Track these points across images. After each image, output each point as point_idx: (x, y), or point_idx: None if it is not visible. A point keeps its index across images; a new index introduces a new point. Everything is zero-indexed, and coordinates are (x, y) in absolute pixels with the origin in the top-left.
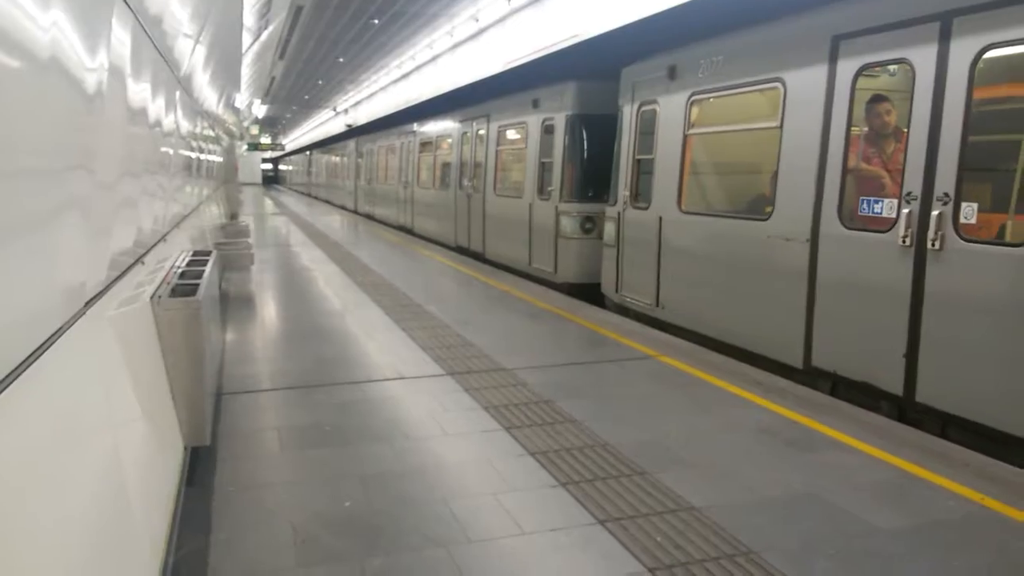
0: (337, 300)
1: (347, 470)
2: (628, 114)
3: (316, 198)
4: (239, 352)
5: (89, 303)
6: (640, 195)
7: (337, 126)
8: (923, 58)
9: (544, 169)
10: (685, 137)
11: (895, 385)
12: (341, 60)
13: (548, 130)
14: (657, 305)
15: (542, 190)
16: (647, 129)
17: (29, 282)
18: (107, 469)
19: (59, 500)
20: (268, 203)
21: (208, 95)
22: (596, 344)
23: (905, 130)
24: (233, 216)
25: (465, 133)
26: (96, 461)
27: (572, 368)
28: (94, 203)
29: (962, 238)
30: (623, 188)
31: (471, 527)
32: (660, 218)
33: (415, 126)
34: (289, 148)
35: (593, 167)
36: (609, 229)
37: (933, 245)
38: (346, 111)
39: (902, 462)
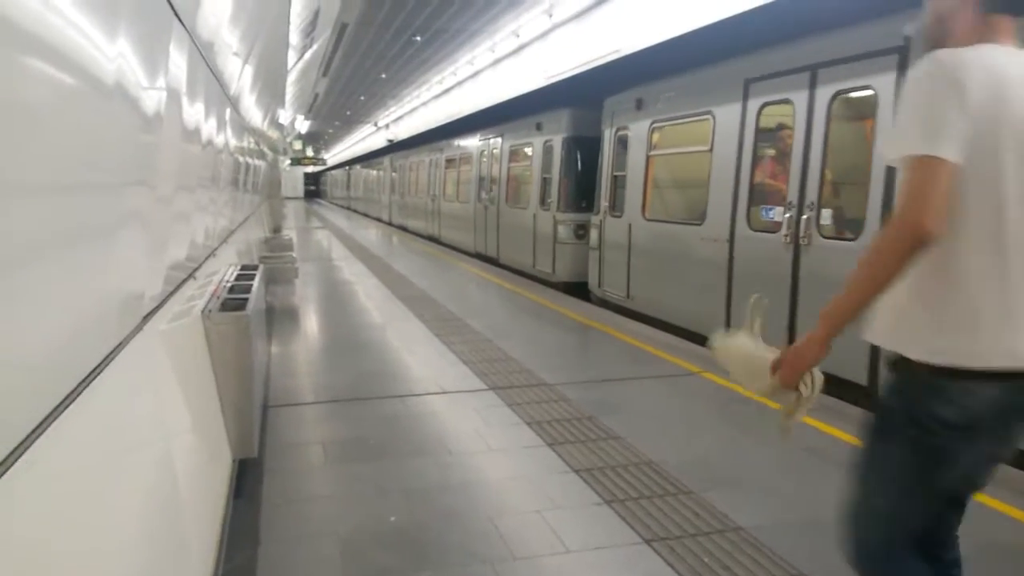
0: (378, 313)
1: (391, 484)
2: (608, 137)
3: (354, 211)
4: (284, 365)
5: (147, 317)
6: (616, 205)
7: (378, 141)
8: (799, 99)
9: (545, 183)
10: (648, 157)
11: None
12: (383, 76)
13: (548, 150)
14: (628, 296)
15: (543, 202)
16: (621, 150)
17: (94, 296)
18: (160, 480)
19: (116, 510)
20: (310, 217)
21: (254, 112)
22: (637, 360)
23: (788, 154)
24: (277, 230)
25: (483, 151)
26: (150, 472)
27: (614, 384)
28: (153, 219)
29: (822, 236)
30: (603, 200)
31: (516, 544)
32: (630, 224)
33: (442, 144)
34: (331, 163)
35: (585, 181)
36: (593, 235)
37: (803, 242)
38: (387, 126)
39: None
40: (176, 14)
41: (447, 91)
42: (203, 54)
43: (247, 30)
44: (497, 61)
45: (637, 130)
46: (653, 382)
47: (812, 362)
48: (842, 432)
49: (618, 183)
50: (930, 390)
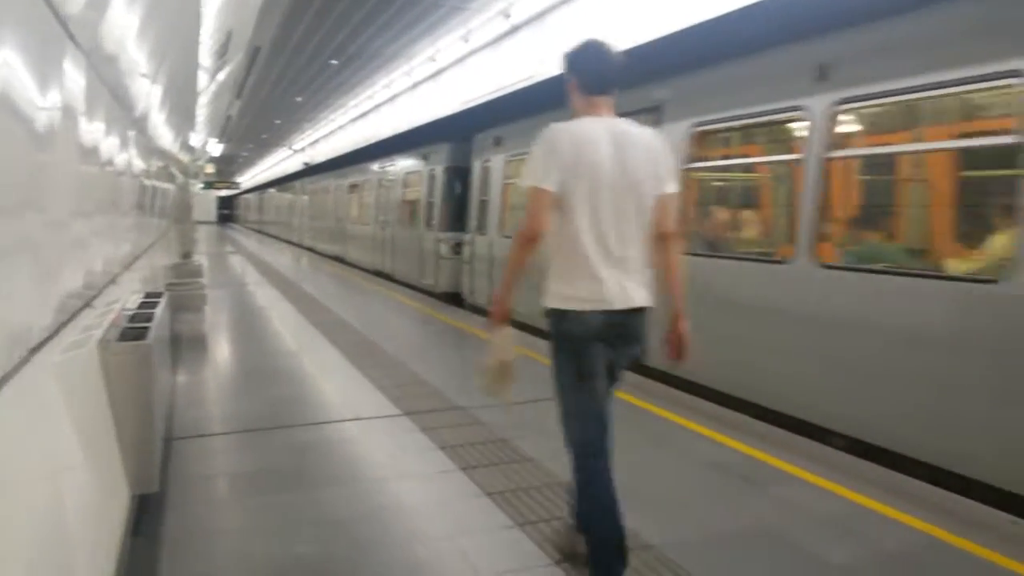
0: (291, 339)
1: (301, 515)
2: (477, 167)
3: (267, 234)
4: (190, 395)
5: (35, 349)
6: (481, 226)
7: (294, 164)
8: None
9: (430, 207)
10: (504, 185)
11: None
12: (299, 99)
13: (432, 177)
14: (490, 303)
15: (428, 223)
16: (486, 179)
17: None
18: (47, 521)
19: None
20: (223, 242)
21: (163, 134)
22: (546, 379)
23: None
24: (187, 255)
25: (380, 178)
26: (36, 514)
27: (527, 406)
28: (43, 244)
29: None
30: (473, 220)
31: (427, 571)
32: (491, 241)
33: (346, 170)
34: (245, 186)
35: (461, 205)
36: (465, 251)
37: None
38: (303, 149)
39: (854, 495)
40: (67, 31)
41: (364, 115)
42: (100, 73)
43: (154, 50)
44: (415, 85)
45: (496, 162)
46: None
47: (495, 322)
48: (747, 447)
49: (484, 206)
50: (561, 319)
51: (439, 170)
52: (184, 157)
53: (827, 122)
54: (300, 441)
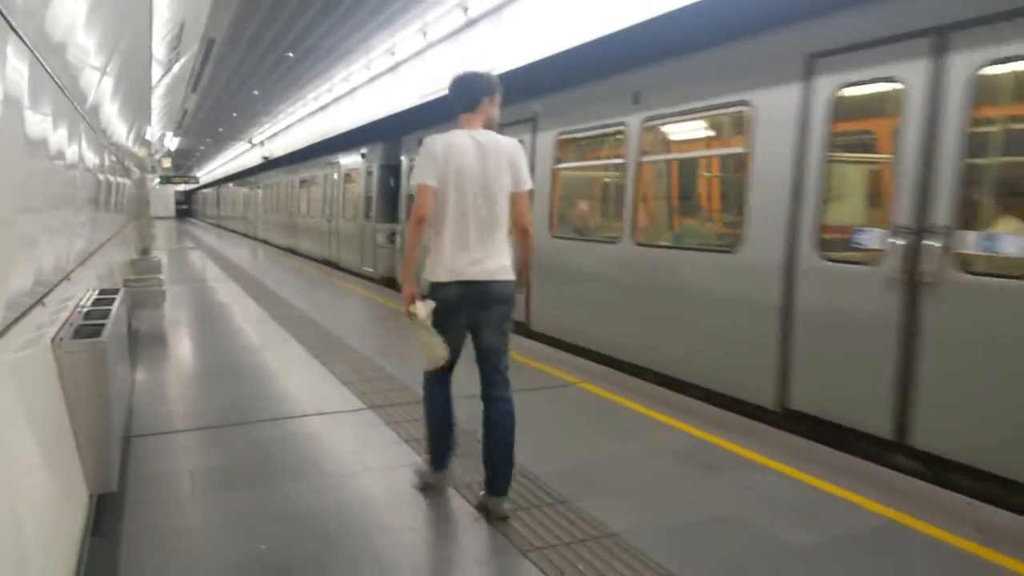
0: (254, 335)
1: (264, 511)
2: (405, 164)
3: (225, 228)
4: (150, 393)
5: None
6: (409, 216)
7: (253, 158)
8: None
9: (368, 200)
10: None
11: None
12: (256, 93)
13: (369, 173)
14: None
15: (367, 215)
16: (411, 175)
17: None
18: (2, 522)
19: None
20: (182, 237)
21: (117, 128)
22: (516, 372)
23: None
24: (144, 251)
25: (326, 174)
26: None
27: None
28: None
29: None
30: (402, 213)
31: (392, 564)
32: None
33: (297, 167)
34: (203, 181)
35: (394, 199)
36: (398, 240)
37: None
38: (262, 143)
39: (814, 479)
40: (8, 23)
41: (323, 108)
42: (45, 63)
43: (103, 42)
44: (373, 79)
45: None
46: (531, 394)
47: (406, 304)
48: (709, 434)
49: (411, 200)
50: (433, 288)
51: (375, 167)
52: (140, 151)
53: (639, 134)
54: (263, 437)
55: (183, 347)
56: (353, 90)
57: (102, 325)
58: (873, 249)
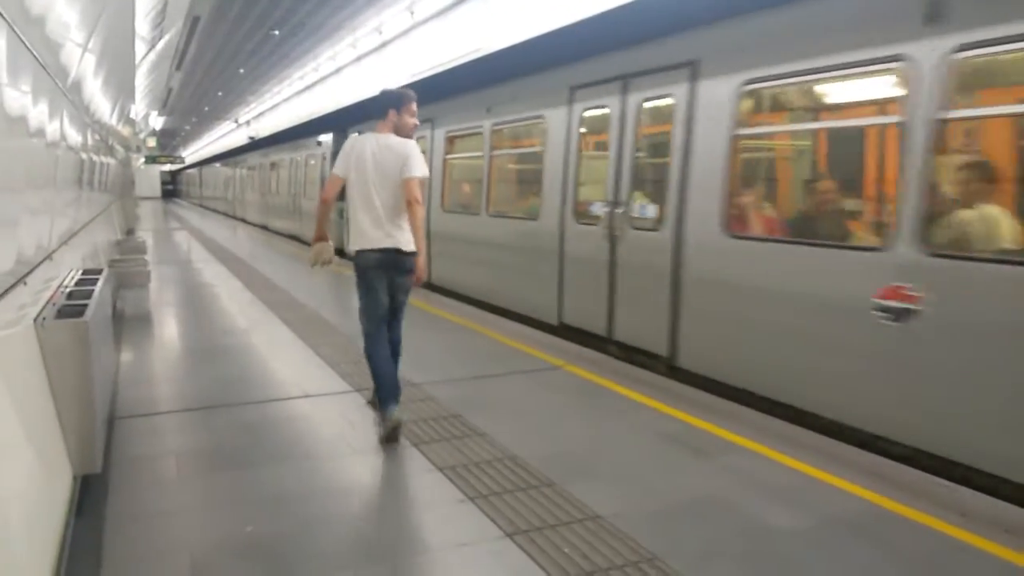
0: (240, 317)
1: (249, 494)
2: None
3: (207, 208)
4: (135, 374)
5: None
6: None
7: (239, 138)
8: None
9: (323, 182)
10: None
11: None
12: (241, 71)
13: (324, 158)
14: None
15: None
16: None
17: None
18: None
19: None
20: (168, 217)
21: (100, 106)
22: (504, 356)
23: None
24: (130, 232)
25: (292, 159)
26: None
27: (480, 381)
28: None
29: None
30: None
31: (377, 547)
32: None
33: (268, 150)
34: (189, 161)
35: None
36: (345, 215)
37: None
38: (248, 123)
39: (800, 464)
40: None
41: (309, 87)
42: (24, 38)
43: (83, 17)
44: (360, 58)
45: None
46: (519, 377)
47: (313, 244)
48: (697, 419)
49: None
50: (356, 256)
51: (329, 153)
52: (125, 130)
53: (491, 135)
54: (248, 419)
55: (168, 328)
56: (339, 69)
57: (85, 305)
58: (598, 215)
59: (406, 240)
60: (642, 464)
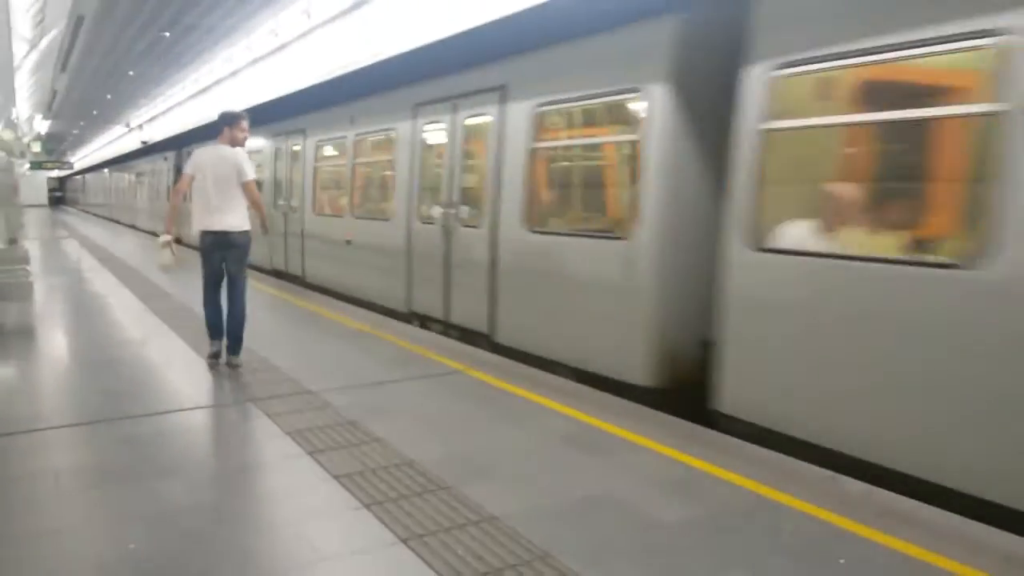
0: (130, 329)
1: (133, 510)
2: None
3: (93, 215)
4: (15, 389)
5: None
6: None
7: (131, 142)
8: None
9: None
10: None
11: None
12: (131, 73)
13: (167, 170)
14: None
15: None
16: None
17: None
18: None
19: None
20: (56, 226)
21: None
22: (405, 362)
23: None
24: (12, 241)
25: (152, 168)
26: None
27: (379, 387)
28: None
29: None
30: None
31: (267, 559)
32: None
33: (140, 160)
34: (78, 166)
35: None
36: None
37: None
38: (140, 127)
39: (690, 459)
40: None
41: (204, 90)
42: None
43: None
44: (255, 61)
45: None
46: (419, 382)
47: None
48: (595, 419)
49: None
50: (200, 237)
51: (171, 166)
52: (5, 134)
53: (354, 145)
54: (137, 433)
55: (53, 341)
56: (235, 72)
57: None
58: (435, 216)
59: (233, 222)
60: (539, 464)
